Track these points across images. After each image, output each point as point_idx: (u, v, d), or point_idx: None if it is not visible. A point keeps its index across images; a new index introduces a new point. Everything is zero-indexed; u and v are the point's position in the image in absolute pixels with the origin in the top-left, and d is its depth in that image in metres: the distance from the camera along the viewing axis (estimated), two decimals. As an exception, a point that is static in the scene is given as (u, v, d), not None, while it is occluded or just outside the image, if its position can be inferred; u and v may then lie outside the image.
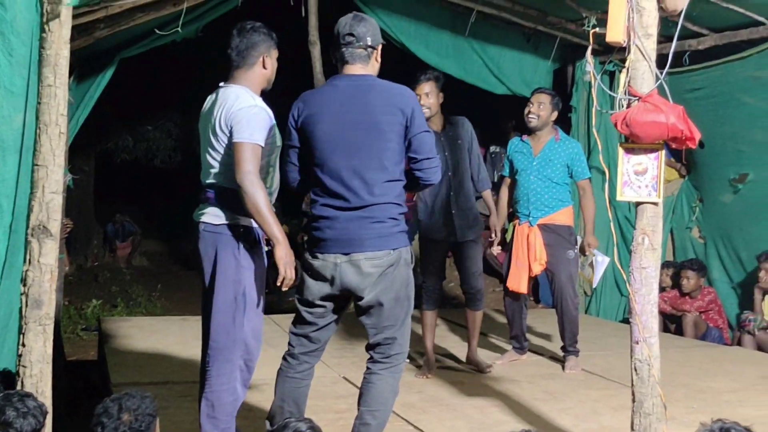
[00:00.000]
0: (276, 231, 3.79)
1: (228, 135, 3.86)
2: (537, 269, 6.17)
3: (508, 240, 6.44)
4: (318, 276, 3.91)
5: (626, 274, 3.75)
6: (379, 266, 3.83)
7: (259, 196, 3.75)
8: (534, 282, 6.64)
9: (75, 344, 9.08)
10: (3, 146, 3.66)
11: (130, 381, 5.42)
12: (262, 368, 4.35)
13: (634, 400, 3.71)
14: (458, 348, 6.57)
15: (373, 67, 3.99)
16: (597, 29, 3.86)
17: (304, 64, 8.50)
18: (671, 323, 7.94)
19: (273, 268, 3.92)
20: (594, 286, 7.66)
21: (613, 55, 7.35)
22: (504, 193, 6.44)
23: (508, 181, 6.42)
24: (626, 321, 7.48)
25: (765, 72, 7.28)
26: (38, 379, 3.61)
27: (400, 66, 7.04)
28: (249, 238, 3.95)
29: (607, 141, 7.60)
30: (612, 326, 8.02)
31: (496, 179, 9.04)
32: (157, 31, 7.03)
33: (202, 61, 12.14)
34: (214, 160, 3.95)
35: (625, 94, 3.66)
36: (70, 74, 4.03)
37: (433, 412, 5.02)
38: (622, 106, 3.69)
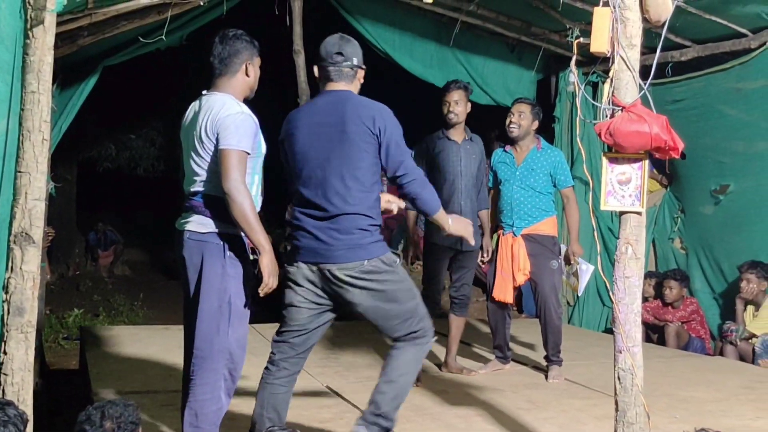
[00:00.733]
0: (262, 239, 3.78)
1: (214, 142, 3.83)
2: (521, 279, 6.18)
3: (492, 250, 6.46)
4: (296, 283, 4.00)
5: (609, 283, 3.76)
6: (358, 276, 3.89)
7: (246, 205, 3.74)
8: (518, 292, 6.65)
9: (56, 353, 9.02)
10: (-15, 153, 3.64)
11: (112, 390, 5.40)
12: (246, 377, 4.33)
13: (617, 410, 3.72)
14: (443, 357, 6.56)
15: (355, 86, 4.13)
16: (581, 40, 3.87)
17: (288, 74, 8.50)
18: (654, 333, 7.97)
19: (255, 277, 3.92)
20: (579, 294, 7.68)
21: (596, 66, 7.39)
22: (490, 204, 6.48)
23: (492, 192, 6.47)
24: (609, 331, 7.52)
25: (747, 84, 7.33)
26: (20, 387, 3.59)
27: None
28: (235, 247, 3.92)
29: (591, 151, 7.65)
30: (595, 336, 8.05)
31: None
32: (142, 39, 7.01)
33: (186, 70, 12.13)
34: (199, 167, 3.91)
35: (608, 104, 3.68)
36: (54, 82, 4.02)
37: (416, 421, 5.01)
38: (606, 116, 3.70)
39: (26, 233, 3.57)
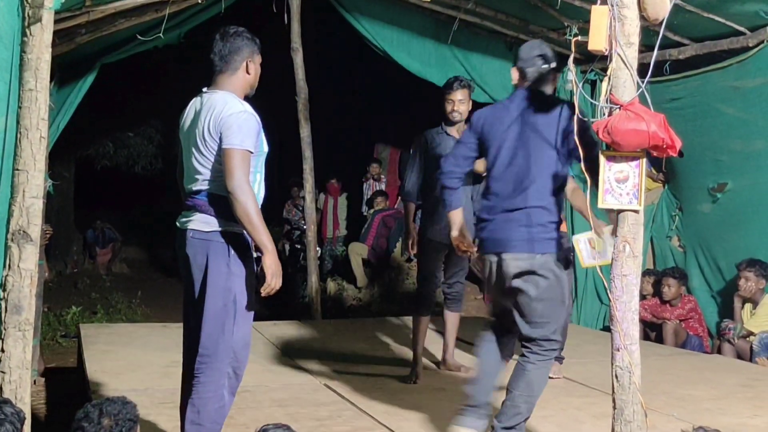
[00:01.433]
0: (265, 239, 3.77)
1: (218, 141, 3.80)
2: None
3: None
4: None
5: (607, 281, 3.76)
6: (525, 267, 4.14)
7: (250, 204, 3.72)
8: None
9: (54, 351, 9.01)
10: (-17, 151, 3.64)
11: (109, 388, 5.40)
12: (244, 376, 4.32)
13: (615, 408, 3.71)
14: (440, 355, 6.57)
15: (551, 85, 4.46)
16: (579, 38, 3.87)
17: (287, 71, 8.51)
18: (651, 331, 7.97)
19: (257, 276, 3.92)
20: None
21: (594, 64, 7.39)
22: None
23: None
24: (606, 329, 7.49)
25: (744, 82, 7.33)
26: (17, 385, 3.60)
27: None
28: (239, 245, 3.90)
29: (589, 149, 7.63)
30: (592, 334, 8.05)
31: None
32: (139, 37, 7.01)
33: (184, 68, 12.12)
34: (201, 166, 3.89)
35: (606, 102, 3.68)
36: (52, 79, 4.02)
37: (414, 419, 5.01)
38: (604, 114, 3.70)
39: (24, 231, 3.58)
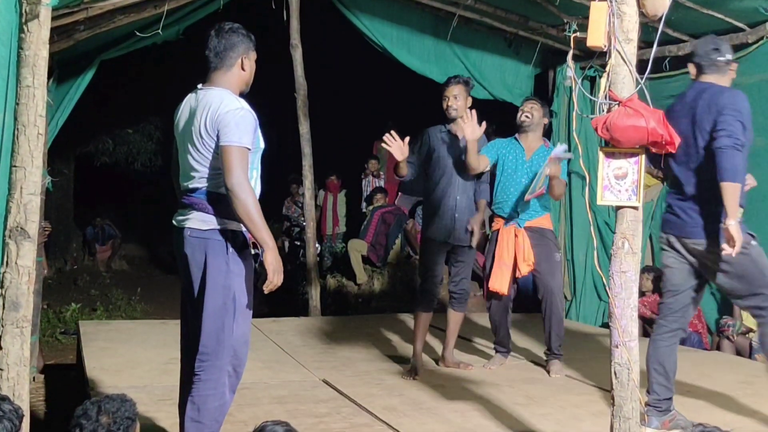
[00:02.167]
0: (266, 236, 3.75)
1: (215, 138, 3.78)
2: (525, 270, 6.15)
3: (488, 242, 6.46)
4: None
5: (606, 278, 3.76)
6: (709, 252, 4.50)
7: (250, 201, 3.70)
8: (515, 293, 6.60)
9: (54, 348, 9.02)
10: (-20, 147, 3.63)
11: (109, 385, 5.39)
12: (243, 373, 4.32)
13: (613, 404, 3.72)
14: (440, 351, 6.56)
15: (727, 78, 4.65)
16: (578, 34, 3.86)
17: (286, 68, 8.50)
18: (650, 328, 7.94)
19: (256, 273, 3.91)
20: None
21: (593, 60, 7.39)
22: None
23: None
24: (606, 326, 7.50)
25: (744, 78, 7.29)
26: (15, 382, 3.59)
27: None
28: (237, 243, 3.89)
29: (588, 145, 7.63)
30: (592, 331, 8.04)
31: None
32: (138, 34, 7.00)
33: (183, 64, 12.12)
34: (198, 163, 3.87)
35: (605, 98, 3.67)
36: (50, 76, 4.02)
37: (413, 416, 5.01)
38: (603, 111, 3.70)
39: (21, 228, 3.57)
